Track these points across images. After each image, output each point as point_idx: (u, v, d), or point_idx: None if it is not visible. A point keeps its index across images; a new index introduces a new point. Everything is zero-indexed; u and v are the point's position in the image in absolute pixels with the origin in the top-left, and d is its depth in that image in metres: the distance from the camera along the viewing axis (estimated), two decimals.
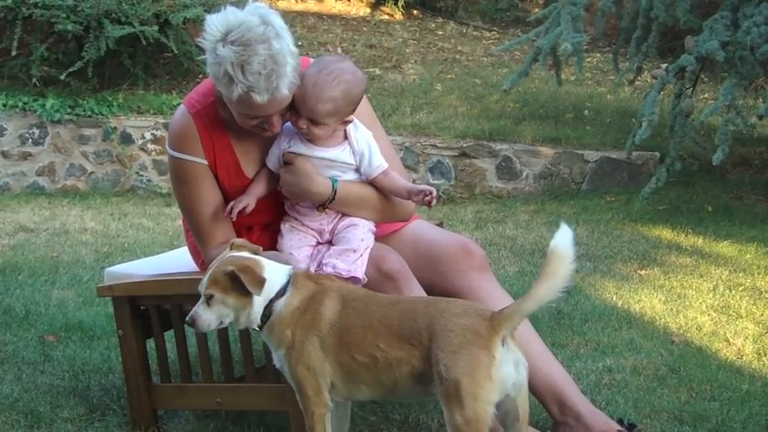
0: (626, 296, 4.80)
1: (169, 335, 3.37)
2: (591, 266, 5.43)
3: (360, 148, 3.03)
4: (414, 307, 2.65)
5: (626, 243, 6.03)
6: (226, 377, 3.23)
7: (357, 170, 3.07)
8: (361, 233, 3.05)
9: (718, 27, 6.34)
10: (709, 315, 4.47)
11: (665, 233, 6.29)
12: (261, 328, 2.74)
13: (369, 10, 12.15)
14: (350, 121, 3.02)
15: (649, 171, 7.65)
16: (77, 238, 6.56)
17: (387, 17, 12.07)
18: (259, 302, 2.69)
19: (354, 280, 2.94)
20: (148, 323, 3.33)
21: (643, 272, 5.31)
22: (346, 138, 3.04)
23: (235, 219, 3.05)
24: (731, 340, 4.10)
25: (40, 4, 8.41)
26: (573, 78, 9.41)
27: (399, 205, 3.15)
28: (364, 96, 3.16)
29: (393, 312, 2.64)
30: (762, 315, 4.44)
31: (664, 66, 7.51)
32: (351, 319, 2.66)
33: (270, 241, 3.13)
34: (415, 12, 12.33)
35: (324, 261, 3.00)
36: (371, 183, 3.07)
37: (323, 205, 3.05)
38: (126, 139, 8.72)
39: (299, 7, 12.01)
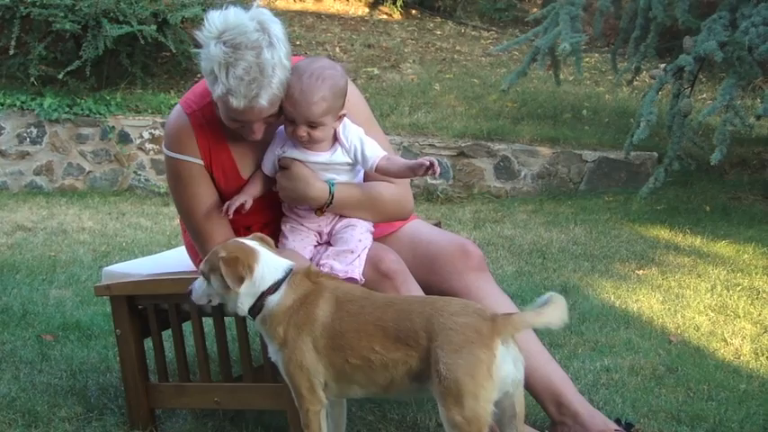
0: (624, 296, 4.80)
1: (167, 334, 3.36)
2: (589, 266, 5.44)
3: (351, 144, 3.02)
4: (409, 307, 2.65)
5: (624, 243, 6.03)
6: (224, 376, 3.23)
7: (354, 167, 3.07)
8: (358, 234, 3.05)
9: (717, 27, 6.35)
10: (706, 315, 4.47)
11: (663, 233, 6.29)
12: (254, 317, 2.75)
13: (367, 9, 12.13)
14: (344, 115, 3.01)
15: (647, 171, 7.65)
16: (75, 238, 6.55)
17: (385, 17, 12.06)
18: (245, 294, 2.70)
19: (351, 281, 2.93)
20: (146, 322, 3.33)
21: (641, 272, 5.31)
22: (336, 140, 3.04)
23: (231, 217, 3.05)
24: (729, 340, 4.10)
25: (38, 3, 8.38)
26: (571, 78, 9.41)
27: (397, 205, 3.15)
28: (360, 95, 3.16)
29: (388, 314, 2.64)
30: (759, 315, 4.44)
31: (662, 66, 7.51)
32: (344, 323, 2.66)
33: None
34: (413, 11, 12.32)
35: (321, 262, 2.99)
36: (374, 174, 3.05)
37: (321, 209, 3.05)
38: (124, 138, 8.70)
39: (298, 6, 12.00)
